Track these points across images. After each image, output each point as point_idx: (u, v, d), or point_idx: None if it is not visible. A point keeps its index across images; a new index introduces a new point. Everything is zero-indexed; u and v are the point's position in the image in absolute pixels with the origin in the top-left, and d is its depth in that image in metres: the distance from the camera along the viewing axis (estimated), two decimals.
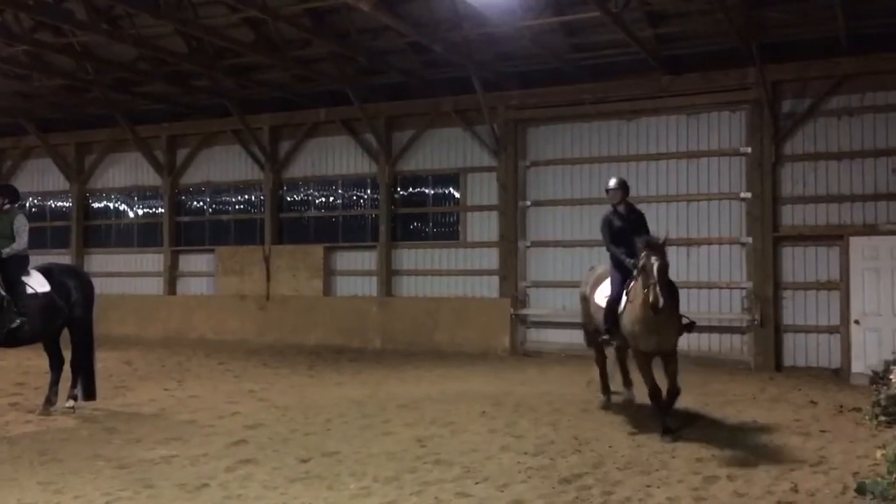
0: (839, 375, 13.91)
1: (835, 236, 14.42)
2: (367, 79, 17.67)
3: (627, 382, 10.82)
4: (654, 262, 8.51)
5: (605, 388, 10.78)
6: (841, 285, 14.25)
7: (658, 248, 8.67)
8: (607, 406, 10.47)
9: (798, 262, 14.82)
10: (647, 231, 9.62)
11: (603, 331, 9.81)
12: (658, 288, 8.40)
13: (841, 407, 10.71)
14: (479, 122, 17.21)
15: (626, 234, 9.51)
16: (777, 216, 14.90)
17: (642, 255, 8.68)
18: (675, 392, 9.13)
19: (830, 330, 14.44)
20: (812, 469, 7.43)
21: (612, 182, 10.05)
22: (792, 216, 14.89)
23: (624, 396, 10.78)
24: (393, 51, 16.47)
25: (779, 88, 14.87)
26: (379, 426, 9.32)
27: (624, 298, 9.30)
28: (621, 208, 9.96)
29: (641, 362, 9.19)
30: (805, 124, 14.81)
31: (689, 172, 15.70)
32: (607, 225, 9.92)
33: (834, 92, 14.57)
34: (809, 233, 14.69)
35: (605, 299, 9.69)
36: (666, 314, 8.65)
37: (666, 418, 8.87)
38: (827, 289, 14.53)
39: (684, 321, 9.45)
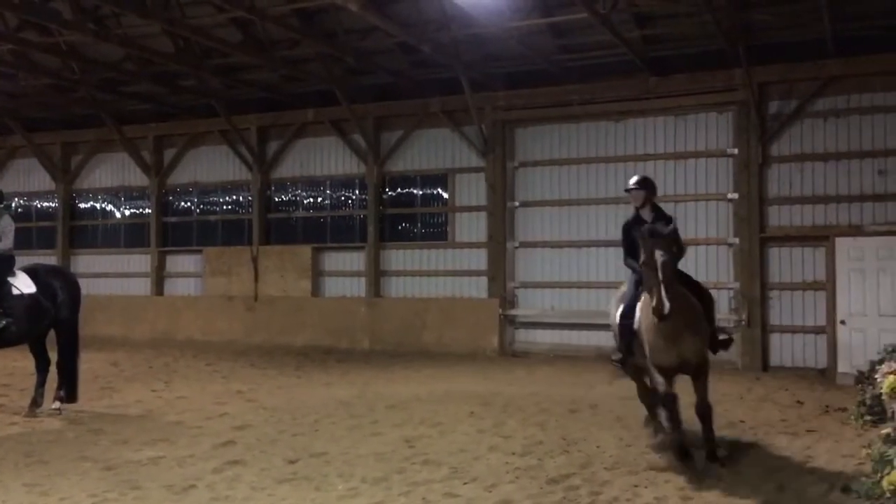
0: (825, 375, 13.99)
1: (821, 237, 14.50)
2: (356, 79, 17.66)
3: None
4: (659, 258, 7.00)
5: (660, 427, 8.30)
6: (827, 286, 14.34)
7: (663, 240, 7.15)
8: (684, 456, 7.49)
9: (784, 263, 14.91)
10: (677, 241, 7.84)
11: (617, 349, 8.28)
12: (663, 290, 6.90)
13: (827, 407, 10.78)
14: (467, 123, 17.23)
15: None
16: (764, 217, 14.99)
17: (645, 248, 7.15)
18: (705, 408, 7.55)
19: (817, 330, 14.53)
20: (798, 468, 7.48)
21: (633, 180, 8.35)
22: (778, 217, 14.98)
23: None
24: (381, 51, 16.47)
25: (765, 90, 14.97)
26: (367, 427, 9.31)
27: (638, 310, 7.79)
28: (645, 213, 8.23)
29: (659, 374, 7.58)
30: (791, 126, 14.90)
31: (676, 173, 15.77)
32: (626, 235, 8.19)
33: (820, 94, 14.68)
34: (796, 233, 14.78)
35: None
36: (682, 321, 7.16)
37: (710, 443, 7.53)
38: (813, 289, 14.62)
39: (721, 336, 8.03)
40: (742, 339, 14.92)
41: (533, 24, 14.30)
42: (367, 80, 17.65)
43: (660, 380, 7.56)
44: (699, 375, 7.57)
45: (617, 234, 8.90)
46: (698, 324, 7.49)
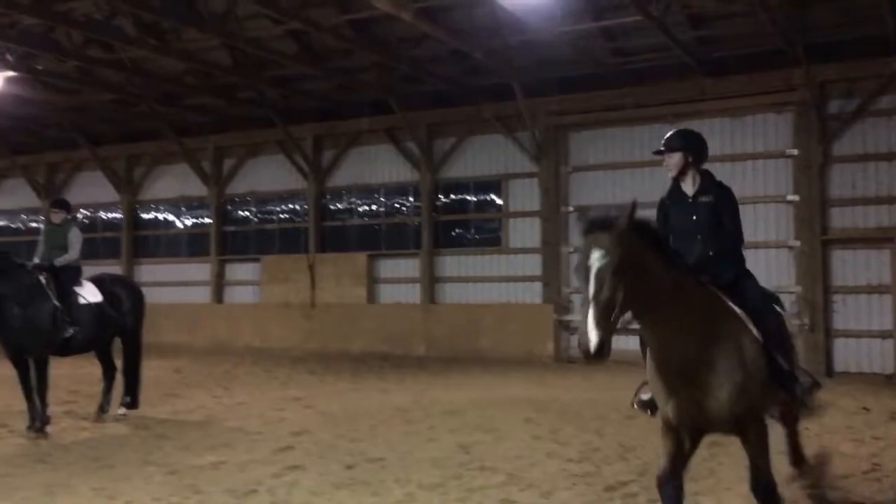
0: (892, 381, 13.61)
1: (885, 238, 14.13)
2: (409, 87, 17.80)
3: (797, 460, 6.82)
4: (594, 262, 4.28)
5: None
6: (892, 288, 13.96)
7: (603, 232, 4.39)
8: None
9: (848, 266, 14.56)
10: (729, 226, 5.58)
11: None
12: (590, 312, 4.17)
13: (894, 413, 10.48)
14: (520, 129, 17.21)
15: (691, 228, 5.54)
16: (825, 219, 14.66)
17: (581, 245, 4.50)
18: (761, 485, 4.93)
19: (882, 335, 14.14)
20: (864, 476, 7.29)
21: (665, 139, 5.63)
22: (841, 218, 14.64)
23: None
24: (434, 59, 16.56)
25: (825, 89, 14.67)
26: (423, 432, 9.35)
27: None
28: (687, 184, 5.63)
29: (661, 433, 5.10)
30: (853, 125, 14.56)
31: (733, 175, 15.35)
32: (659, 214, 5.79)
33: (882, 92, 14.32)
34: (859, 235, 14.42)
35: None
36: (694, 355, 4.65)
37: None
38: (878, 292, 14.25)
39: (801, 380, 5.36)
40: (805, 344, 14.56)
41: (585, 29, 14.23)
42: (420, 87, 17.78)
43: (663, 442, 5.09)
44: (745, 435, 4.92)
45: None
46: (726, 362, 4.72)
